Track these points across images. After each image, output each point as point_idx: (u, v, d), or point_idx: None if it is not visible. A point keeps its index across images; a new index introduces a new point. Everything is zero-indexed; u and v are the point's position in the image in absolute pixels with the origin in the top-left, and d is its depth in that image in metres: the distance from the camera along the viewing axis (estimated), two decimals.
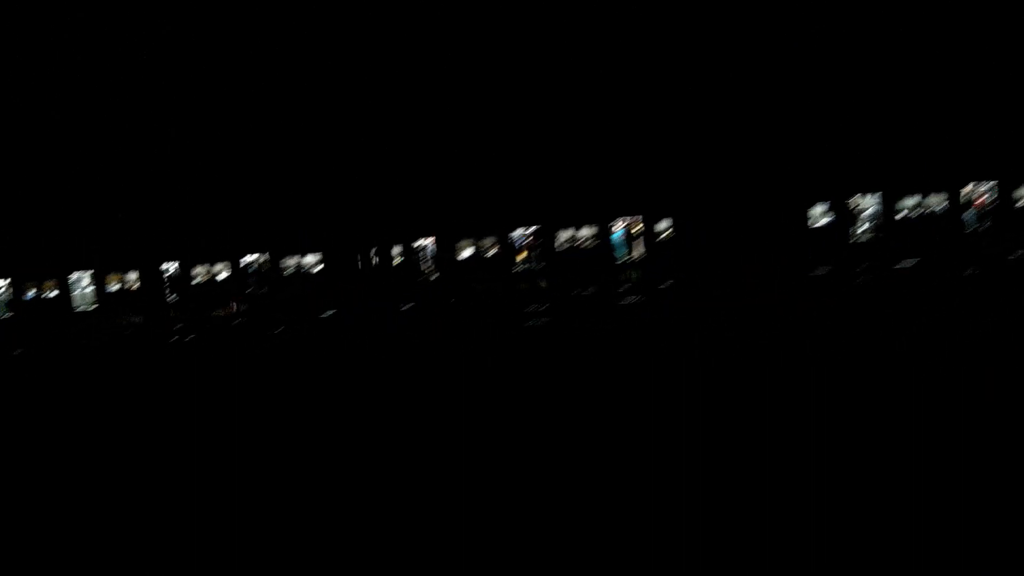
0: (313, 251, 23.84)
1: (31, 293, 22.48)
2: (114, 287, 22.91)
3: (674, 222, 25.42)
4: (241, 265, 23.66)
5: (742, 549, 3.73)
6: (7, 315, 22.36)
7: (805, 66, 23.54)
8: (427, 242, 25.52)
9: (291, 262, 24.13)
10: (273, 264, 23.41)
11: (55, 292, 22.58)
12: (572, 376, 8.14)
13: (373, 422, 6.97)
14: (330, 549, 4.09)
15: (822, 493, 4.40)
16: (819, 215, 24.67)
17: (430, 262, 25.50)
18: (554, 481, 4.84)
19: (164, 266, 23.28)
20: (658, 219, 25.61)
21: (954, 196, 23.15)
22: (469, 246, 25.59)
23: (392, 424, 6.84)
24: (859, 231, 24.27)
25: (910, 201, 24.25)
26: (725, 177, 25.06)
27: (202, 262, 23.42)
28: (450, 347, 10.82)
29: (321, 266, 24.04)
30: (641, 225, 25.82)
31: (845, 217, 24.08)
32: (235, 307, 22.03)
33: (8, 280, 22.43)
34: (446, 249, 25.11)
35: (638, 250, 25.95)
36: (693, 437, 5.58)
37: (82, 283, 23.29)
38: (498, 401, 7.26)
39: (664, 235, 25.72)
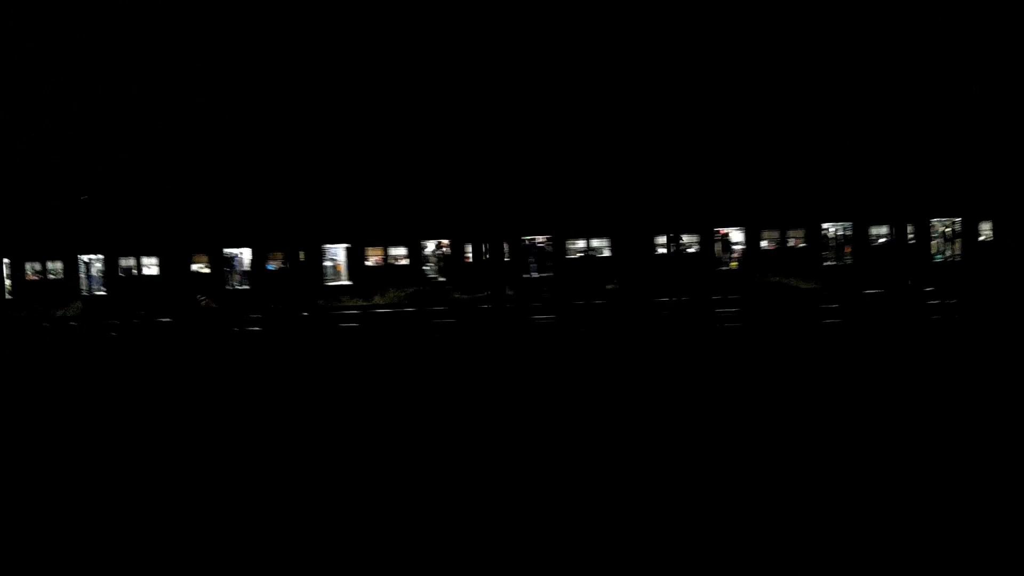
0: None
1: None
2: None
3: (963, 222, 23.84)
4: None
5: (743, 548, 3.72)
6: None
7: None
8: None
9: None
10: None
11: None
12: (572, 376, 8.09)
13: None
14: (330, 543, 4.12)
15: (823, 493, 4.34)
16: None
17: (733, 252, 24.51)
18: (553, 480, 4.86)
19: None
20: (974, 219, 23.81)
21: None
22: (771, 237, 24.09)
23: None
24: None
25: None
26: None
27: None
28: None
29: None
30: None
31: None
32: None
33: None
34: (752, 240, 24.07)
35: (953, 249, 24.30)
36: (694, 437, 5.55)
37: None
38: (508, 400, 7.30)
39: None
